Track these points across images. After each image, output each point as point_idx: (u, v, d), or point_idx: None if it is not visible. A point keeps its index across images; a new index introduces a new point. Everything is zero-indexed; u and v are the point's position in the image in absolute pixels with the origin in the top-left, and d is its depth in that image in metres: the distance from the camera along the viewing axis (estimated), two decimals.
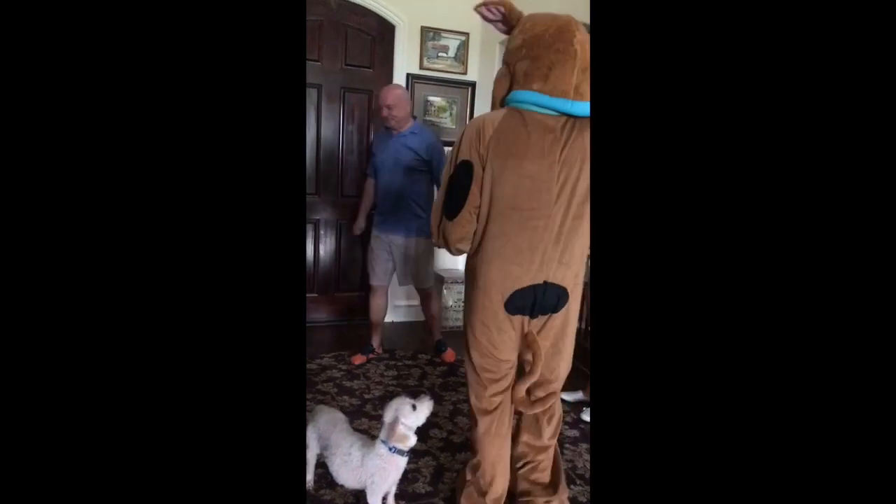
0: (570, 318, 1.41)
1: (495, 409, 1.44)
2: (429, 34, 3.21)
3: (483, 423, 1.45)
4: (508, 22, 1.33)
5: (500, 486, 1.48)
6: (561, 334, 1.41)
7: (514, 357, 1.41)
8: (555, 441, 1.56)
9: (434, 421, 2.17)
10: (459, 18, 3.19)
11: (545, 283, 1.31)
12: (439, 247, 1.45)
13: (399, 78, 3.20)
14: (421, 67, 3.22)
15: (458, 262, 3.56)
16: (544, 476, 1.56)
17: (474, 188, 1.30)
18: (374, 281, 2.71)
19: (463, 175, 1.31)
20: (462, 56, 3.30)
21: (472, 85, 3.36)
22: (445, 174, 1.38)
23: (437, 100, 3.32)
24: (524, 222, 1.27)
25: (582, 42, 1.23)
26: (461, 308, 3.31)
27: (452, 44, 3.27)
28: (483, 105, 3.32)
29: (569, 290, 1.35)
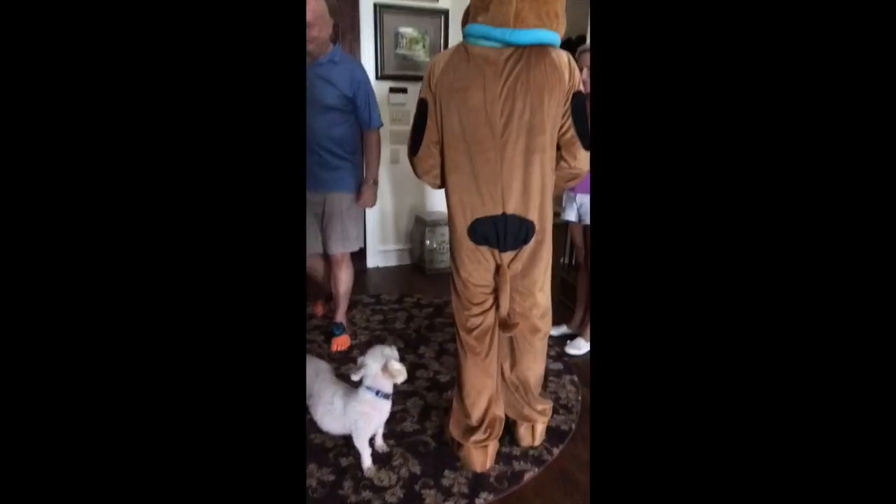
0: (541, 250, 1.44)
1: (475, 329, 1.50)
2: None
3: (466, 345, 1.52)
4: None
5: (483, 407, 1.55)
6: (530, 265, 1.45)
7: (488, 283, 1.47)
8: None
9: (420, 362, 2.21)
10: None
11: (504, 214, 1.36)
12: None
13: (366, 7, 3.00)
14: None
15: (439, 205, 3.51)
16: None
17: (430, 123, 1.39)
18: (308, 248, 2.21)
19: (420, 112, 1.41)
20: None
21: (445, 13, 3.15)
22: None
23: (408, 31, 3.12)
24: (474, 155, 1.34)
25: None
26: (444, 250, 3.30)
27: None
28: (457, 34, 3.13)
29: (535, 223, 1.39)
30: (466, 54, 1.31)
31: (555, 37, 1.29)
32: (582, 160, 1.39)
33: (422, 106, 1.40)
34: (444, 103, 1.34)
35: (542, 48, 1.27)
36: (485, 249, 1.41)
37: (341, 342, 2.32)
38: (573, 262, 2.81)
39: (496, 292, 1.47)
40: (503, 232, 1.38)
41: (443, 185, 1.48)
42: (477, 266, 1.44)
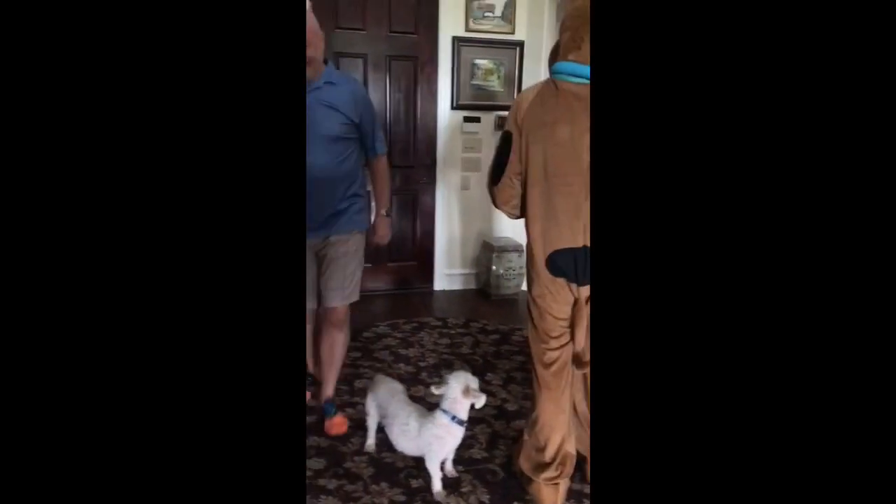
0: None
1: (552, 363, 1.49)
2: None
3: (541, 379, 1.52)
4: None
5: (556, 443, 1.53)
6: None
7: (566, 316, 1.47)
8: None
9: (488, 389, 2.22)
10: None
11: (584, 247, 1.36)
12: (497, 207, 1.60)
13: (445, 42, 3.13)
14: (467, 29, 3.12)
15: (507, 230, 3.54)
16: None
17: (513, 156, 1.44)
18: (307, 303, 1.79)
19: (504, 144, 1.46)
20: (509, 15, 3.16)
21: (521, 45, 3.23)
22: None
23: (483, 62, 3.22)
24: (559, 187, 1.37)
25: None
26: (511, 276, 3.31)
27: (499, 3, 3.14)
28: (532, 65, 3.19)
29: None
30: (556, 90, 1.35)
31: None
32: None
33: (507, 138, 1.45)
34: (531, 136, 1.38)
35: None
36: (562, 282, 1.42)
37: (338, 424, 1.84)
38: None
39: (573, 327, 1.47)
40: (582, 265, 1.37)
41: (522, 215, 1.51)
42: (555, 297, 1.44)
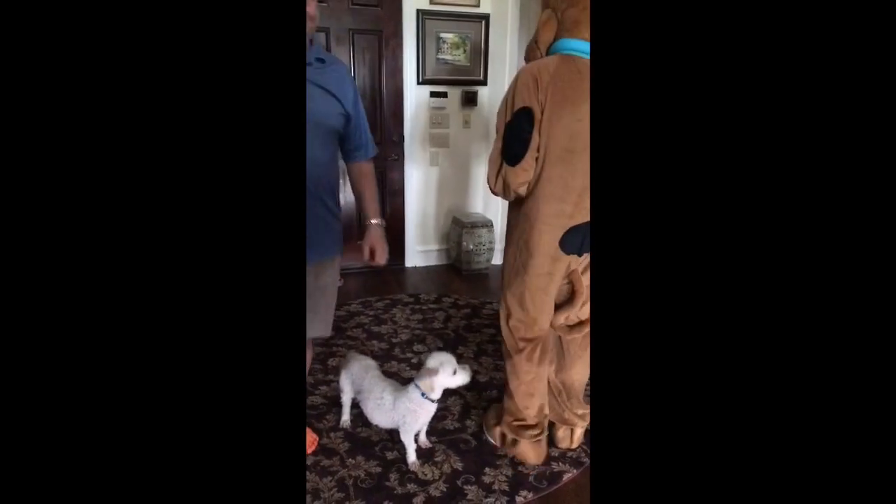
0: None
1: (537, 338, 1.57)
2: None
3: (525, 352, 1.58)
4: None
5: (537, 407, 1.63)
6: None
7: (556, 292, 1.54)
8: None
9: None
10: None
11: (588, 222, 1.40)
12: (496, 194, 1.51)
13: (409, 15, 3.07)
14: (431, 2, 3.07)
15: (477, 206, 3.56)
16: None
17: (534, 133, 1.35)
18: None
19: (525, 121, 1.34)
20: None
21: (486, 18, 3.20)
22: (501, 121, 1.41)
23: (449, 36, 3.18)
24: (576, 164, 1.35)
25: None
26: (481, 251, 3.35)
27: None
28: (498, 38, 3.17)
29: None
30: (576, 66, 1.31)
31: None
32: None
33: (528, 114, 1.33)
34: (555, 113, 1.32)
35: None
36: (565, 259, 1.45)
37: (308, 442, 1.68)
38: None
39: (570, 296, 1.56)
40: (587, 239, 1.42)
41: (526, 196, 1.45)
42: (553, 277, 1.48)
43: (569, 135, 1.33)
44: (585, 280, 1.52)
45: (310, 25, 1.23)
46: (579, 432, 1.72)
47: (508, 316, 1.59)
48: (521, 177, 1.40)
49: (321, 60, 1.31)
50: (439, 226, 3.54)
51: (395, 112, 3.24)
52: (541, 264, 1.46)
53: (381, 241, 1.53)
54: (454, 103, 3.31)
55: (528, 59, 1.45)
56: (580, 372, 1.68)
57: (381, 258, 1.53)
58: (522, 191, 1.43)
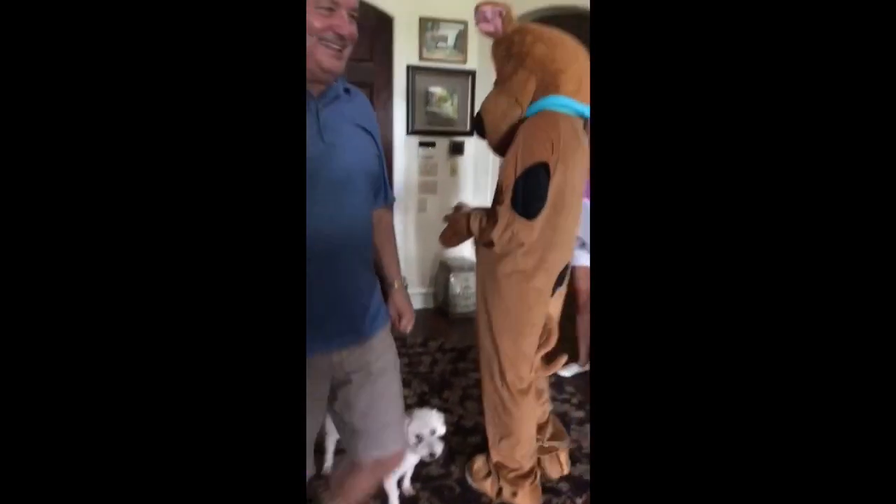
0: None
1: (530, 385, 1.61)
2: (427, 24, 3.22)
3: (525, 403, 1.59)
4: (504, 27, 1.43)
5: (531, 454, 1.66)
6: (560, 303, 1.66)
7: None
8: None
9: (445, 406, 2.27)
10: (457, 7, 3.19)
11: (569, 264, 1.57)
12: (490, 247, 1.48)
13: (399, 70, 3.23)
14: (421, 58, 3.24)
15: (463, 250, 3.63)
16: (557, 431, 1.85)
17: (551, 188, 1.38)
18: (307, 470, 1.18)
19: (542, 175, 1.36)
20: (461, 45, 3.31)
21: (472, 73, 3.38)
22: (510, 175, 1.40)
23: (437, 90, 3.34)
24: (570, 211, 1.46)
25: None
26: (468, 295, 3.39)
27: (451, 33, 3.28)
28: (484, 92, 3.32)
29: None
30: (572, 123, 1.41)
31: None
32: None
33: (544, 169, 1.36)
34: (563, 166, 1.38)
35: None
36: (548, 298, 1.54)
37: None
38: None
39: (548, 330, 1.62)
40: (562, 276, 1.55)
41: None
42: (541, 316, 1.55)
43: (569, 184, 1.42)
44: (554, 311, 1.60)
45: (348, 49, 0.95)
46: (564, 455, 1.74)
47: (503, 374, 1.58)
48: (535, 230, 1.41)
49: (347, 91, 1.04)
50: (427, 270, 3.60)
51: (385, 160, 3.35)
52: (539, 314, 1.52)
53: (408, 305, 1.28)
54: (442, 152, 3.44)
55: (503, 113, 1.48)
56: (546, 401, 1.76)
57: (409, 323, 1.28)
58: (528, 243, 1.44)
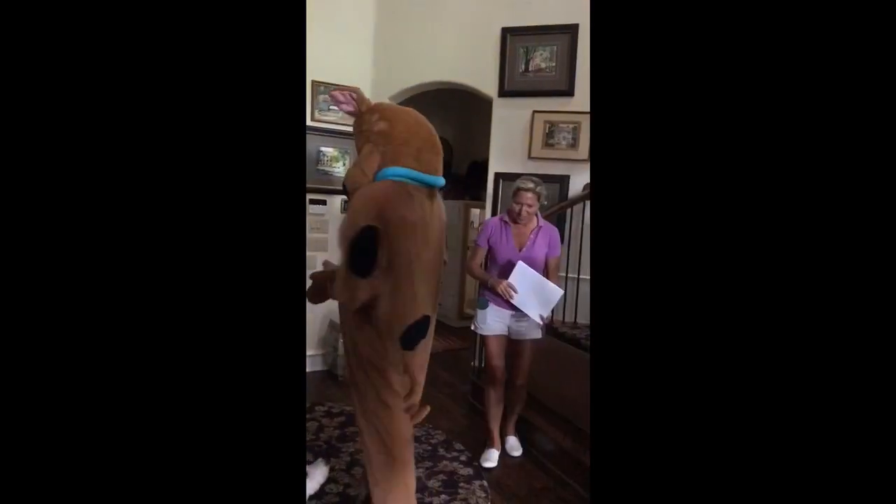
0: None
1: (404, 430, 1.62)
2: (319, 87, 3.30)
3: (408, 451, 1.61)
4: (357, 108, 1.65)
5: None
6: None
7: None
8: None
9: (330, 475, 2.15)
10: (350, 73, 3.33)
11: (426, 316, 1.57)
12: (342, 302, 1.58)
13: None
14: (312, 119, 3.30)
15: None
16: None
17: (380, 250, 1.47)
18: None
19: (372, 239, 1.46)
20: None
21: None
22: (345, 238, 1.48)
23: (329, 150, 3.40)
24: (416, 270, 1.51)
25: (434, 133, 1.63)
26: None
27: None
28: None
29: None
30: (406, 190, 1.51)
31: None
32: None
33: (374, 232, 1.45)
34: (401, 229, 1.47)
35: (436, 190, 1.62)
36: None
37: None
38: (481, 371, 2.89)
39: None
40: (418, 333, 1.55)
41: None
42: (399, 371, 1.60)
43: (414, 247, 1.50)
44: (415, 363, 1.62)
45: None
46: None
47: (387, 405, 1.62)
48: (370, 287, 1.48)
49: None
50: (316, 331, 3.47)
51: None
52: (395, 365, 1.58)
53: None
54: (333, 210, 3.45)
55: (355, 182, 1.58)
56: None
57: None
58: (365, 300, 1.52)
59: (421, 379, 1.66)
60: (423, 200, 1.53)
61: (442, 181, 1.61)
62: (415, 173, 1.54)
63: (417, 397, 1.61)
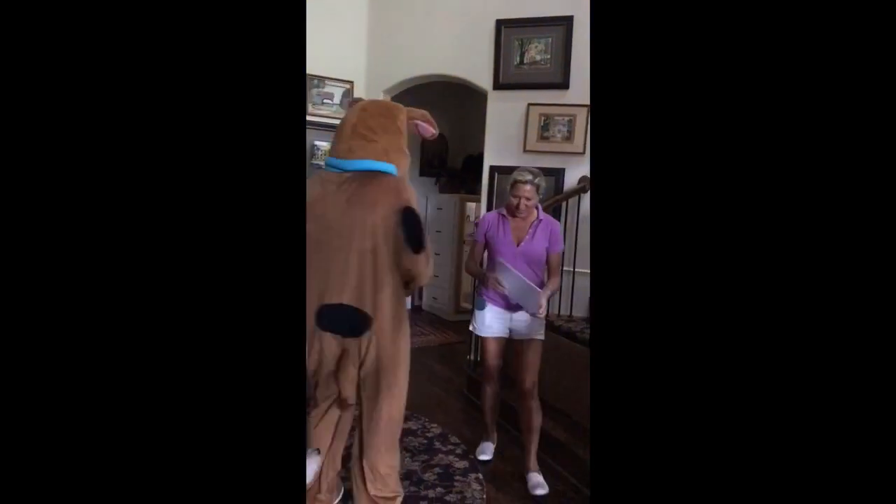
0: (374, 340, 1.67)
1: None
2: (314, 81, 3.28)
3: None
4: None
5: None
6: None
7: None
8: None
9: None
10: (344, 67, 3.31)
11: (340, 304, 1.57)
12: None
13: None
14: (307, 113, 3.28)
15: None
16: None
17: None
18: None
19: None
20: (346, 104, 3.41)
21: None
22: None
23: (323, 144, 3.38)
24: (327, 253, 1.55)
25: (361, 110, 1.66)
26: None
27: (337, 91, 3.38)
28: None
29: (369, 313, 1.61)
30: (320, 178, 1.65)
31: (388, 167, 1.62)
32: (410, 262, 1.58)
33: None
34: (314, 212, 1.56)
35: (373, 173, 1.60)
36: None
37: None
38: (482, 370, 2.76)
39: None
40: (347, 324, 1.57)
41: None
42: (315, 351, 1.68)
43: (324, 231, 1.56)
44: (327, 349, 1.62)
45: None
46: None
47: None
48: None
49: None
50: None
51: None
52: (312, 343, 1.62)
53: None
54: None
55: None
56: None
57: None
58: None
59: (344, 381, 1.64)
60: (330, 186, 1.59)
61: (351, 164, 1.59)
62: (329, 159, 1.66)
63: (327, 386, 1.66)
